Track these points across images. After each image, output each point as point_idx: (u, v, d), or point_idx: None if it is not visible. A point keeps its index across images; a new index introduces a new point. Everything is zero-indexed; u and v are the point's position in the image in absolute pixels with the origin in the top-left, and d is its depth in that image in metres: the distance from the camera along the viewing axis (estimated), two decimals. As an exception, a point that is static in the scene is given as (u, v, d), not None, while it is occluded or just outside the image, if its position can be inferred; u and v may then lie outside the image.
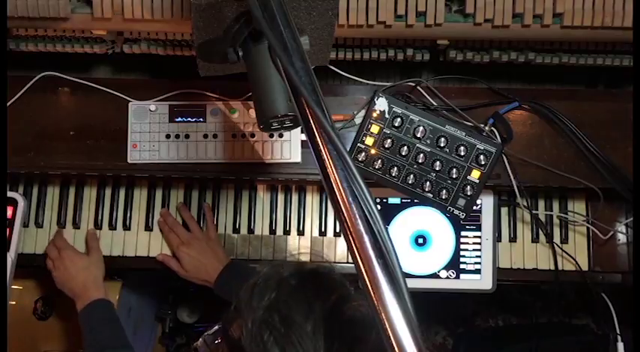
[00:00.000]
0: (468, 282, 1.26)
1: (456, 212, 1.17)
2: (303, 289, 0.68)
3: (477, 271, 1.26)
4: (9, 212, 1.17)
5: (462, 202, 1.16)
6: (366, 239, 0.52)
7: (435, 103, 1.17)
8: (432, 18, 1.03)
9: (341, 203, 0.54)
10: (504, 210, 1.30)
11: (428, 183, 1.15)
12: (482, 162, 1.14)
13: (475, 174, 1.15)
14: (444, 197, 1.15)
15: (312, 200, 1.30)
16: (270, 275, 0.71)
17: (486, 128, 1.16)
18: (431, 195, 1.16)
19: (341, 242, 1.29)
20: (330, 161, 0.56)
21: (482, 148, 1.15)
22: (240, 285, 0.71)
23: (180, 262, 1.22)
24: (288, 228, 1.30)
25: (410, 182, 1.15)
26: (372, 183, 1.15)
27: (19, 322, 1.30)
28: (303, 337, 0.63)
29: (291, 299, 0.66)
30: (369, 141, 1.15)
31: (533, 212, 1.26)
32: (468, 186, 1.15)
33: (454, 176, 1.15)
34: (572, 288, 1.66)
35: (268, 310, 0.66)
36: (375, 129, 1.15)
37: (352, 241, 0.53)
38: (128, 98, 1.18)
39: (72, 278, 1.18)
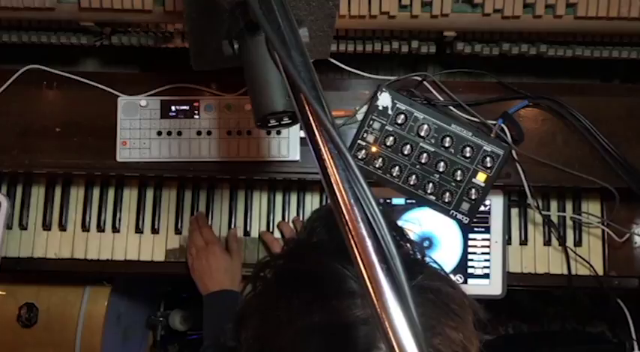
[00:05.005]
0: (476, 287, 1.25)
1: (459, 216, 1.16)
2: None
3: (486, 276, 1.25)
4: (-9, 213, 1.17)
5: (465, 206, 1.15)
6: (369, 243, 0.50)
7: (441, 98, 1.17)
8: (438, 8, 1.03)
9: (342, 205, 0.52)
10: (515, 212, 1.29)
11: (430, 184, 1.15)
12: (489, 165, 1.14)
13: (481, 177, 1.15)
14: (447, 200, 1.15)
15: (311, 200, 1.30)
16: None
17: (495, 129, 1.16)
18: (433, 198, 1.15)
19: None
20: (331, 161, 0.54)
21: (490, 150, 1.14)
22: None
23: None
24: (286, 230, 1.29)
25: (411, 183, 1.15)
26: (372, 182, 1.15)
27: (1, 329, 1.31)
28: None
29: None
30: (370, 138, 1.15)
31: (545, 213, 1.26)
32: (473, 190, 1.15)
33: (458, 178, 1.14)
34: (587, 294, 1.65)
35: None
36: (376, 125, 1.15)
37: (354, 245, 0.51)
38: (117, 93, 1.18)
39: (210, 276, 1.19)
